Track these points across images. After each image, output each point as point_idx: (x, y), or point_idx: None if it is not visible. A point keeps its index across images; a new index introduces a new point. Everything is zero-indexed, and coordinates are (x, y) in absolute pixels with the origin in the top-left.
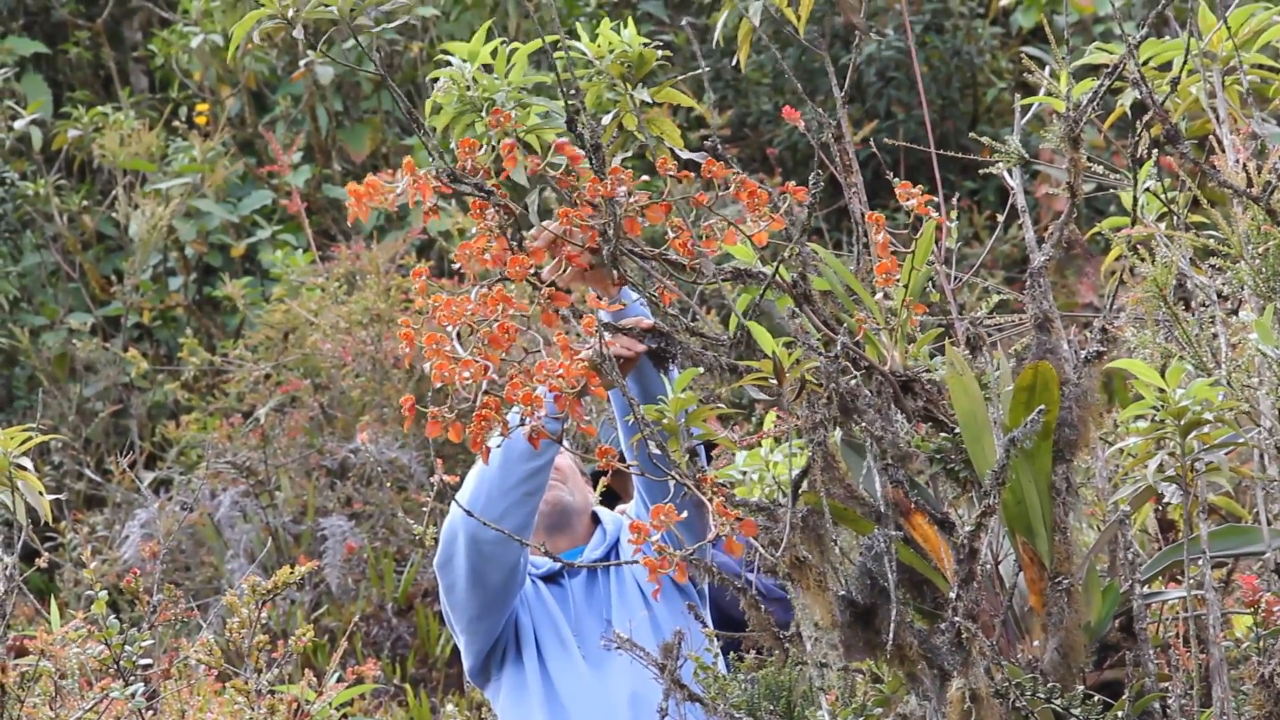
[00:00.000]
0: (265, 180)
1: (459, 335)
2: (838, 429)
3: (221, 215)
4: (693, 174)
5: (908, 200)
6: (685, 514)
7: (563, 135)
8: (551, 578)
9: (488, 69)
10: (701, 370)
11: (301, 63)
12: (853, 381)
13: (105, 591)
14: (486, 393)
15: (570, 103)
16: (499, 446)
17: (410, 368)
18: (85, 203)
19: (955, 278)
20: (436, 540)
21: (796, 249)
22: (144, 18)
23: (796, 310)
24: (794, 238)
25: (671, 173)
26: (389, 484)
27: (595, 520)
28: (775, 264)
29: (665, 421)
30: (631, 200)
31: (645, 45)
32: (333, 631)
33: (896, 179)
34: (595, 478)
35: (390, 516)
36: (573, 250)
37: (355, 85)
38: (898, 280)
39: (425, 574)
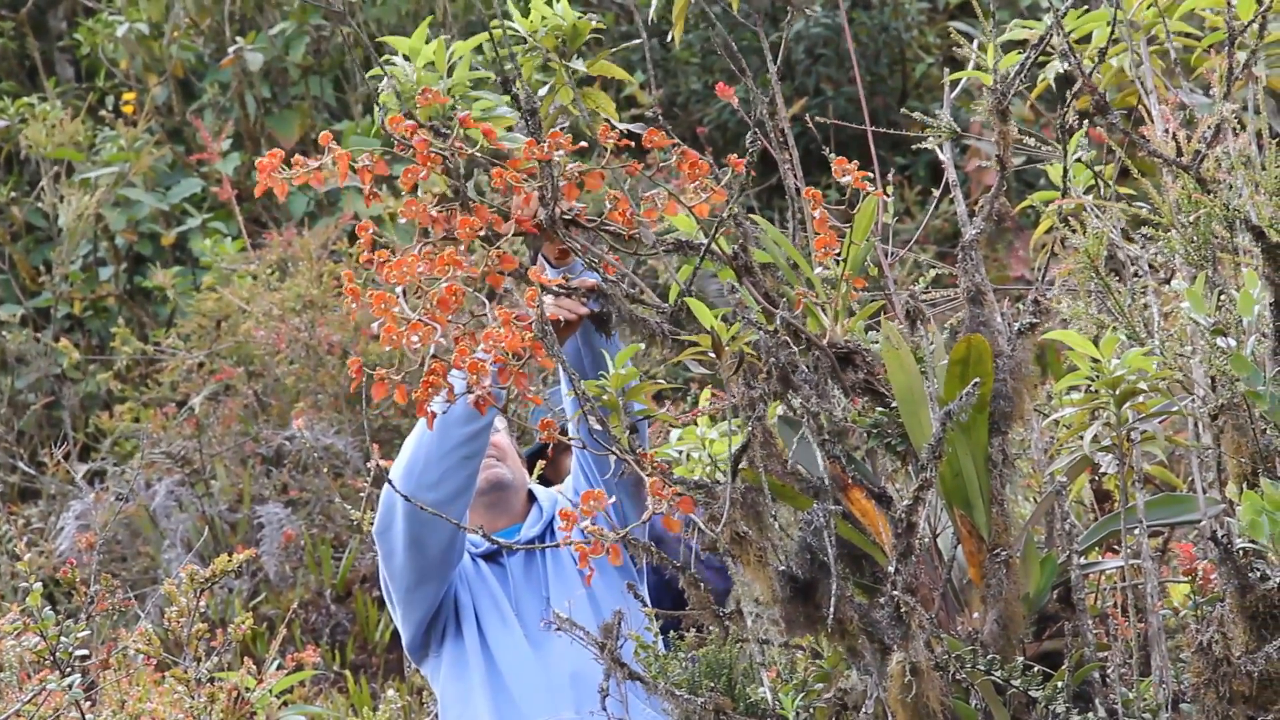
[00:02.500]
0: (195, 168)
1: (405, 296)
2: (776, 405)
3: (151, 204)
4: (631, 143)
5: (843, 175)
6: (614, 499)
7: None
8: (491, 556)
9: (430, 66)
10: (642, 343)
11: (229, 49)
12: (791, 356)
13: (40, 583)
14: (434, 357)
15: (506, 68)
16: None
17: (344, 354)
18: (13, 194)
19: (891, 253)
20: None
21: (734, 220)
22: (68, 7)
23: (735, 285)
24: (730, 207)
25: (611, 141)
26: (325, 470)
27: (531, 498)
28: (712, 232)
29: (606, 398)
30: (569, 168)
31: (579, 17)
32: (271, 619)
33: (832, 154)
34: (531, 459)
35: (327, 503)
36: (523, 215)
37: (283, 72)
38: (837, 255)
39: (363, 560)
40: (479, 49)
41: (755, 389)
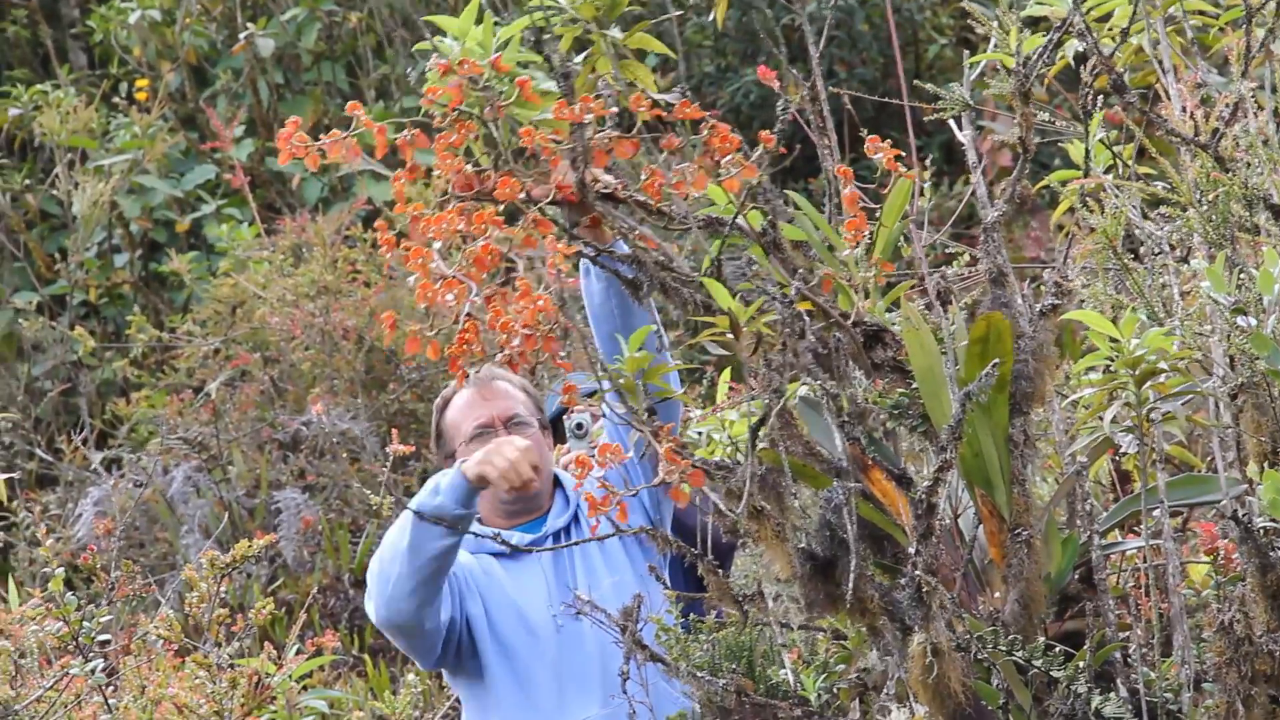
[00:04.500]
0: (208, 155)
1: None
2: (796, 384)
3: (165, 191)
4: (664, 113)
5: (876, 154)
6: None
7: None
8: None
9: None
10: (674, 310)
11: (241, 36)
12: (814, 335)
13: (61, 569)
14: (468, 316)
15: (543, 32)
16: (410, 523)
17: (359, 339)
18: (27, 182)
19: (922, 233)
20: (392, 510)
21: (764, 196)
22: None
23: (754, 260)
24: (760, 180)
25: (644, 111)
26: (342, 455)
27: (556, 483)
28: (740, 208)
29: (623, 381)
30: (601, 134)
31: None
32: (290, 604)
33: (865, 133)
34: (555, 423)
35: (344, 488)
36: (564, 181)
37: (295, 58)
38: (867, 236)
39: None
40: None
41: (774, 367)
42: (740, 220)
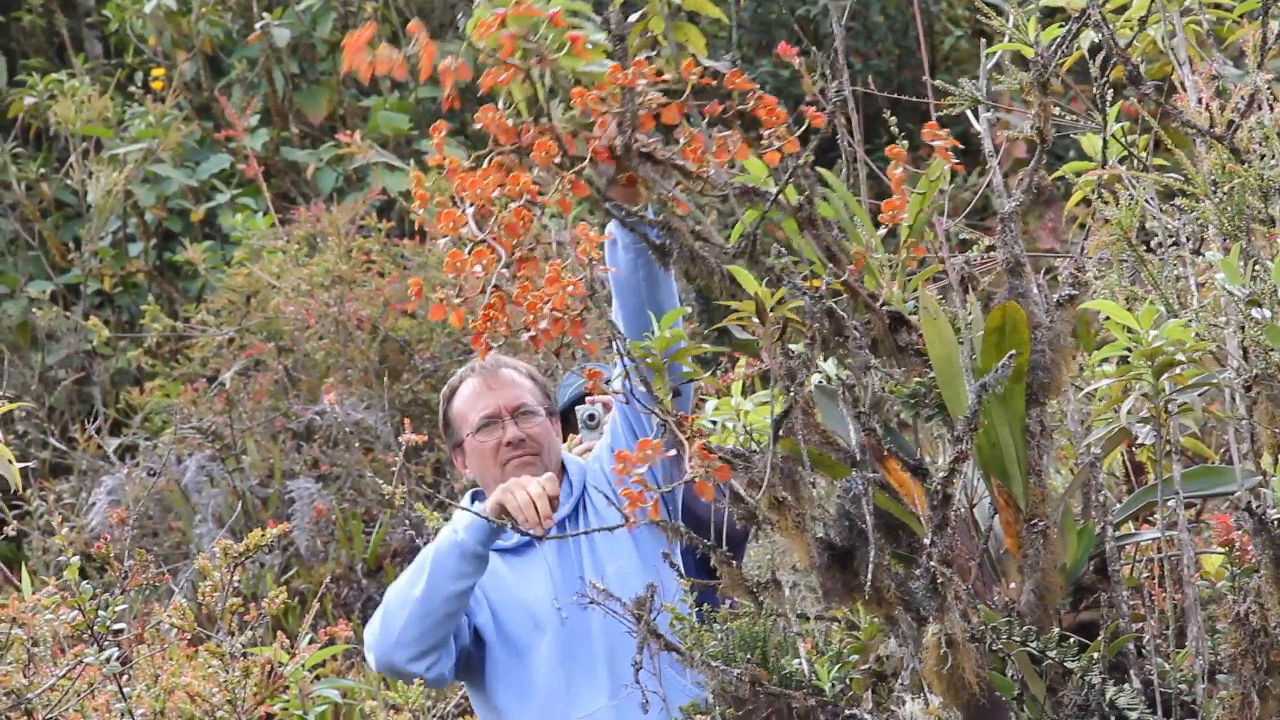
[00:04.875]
0: (223, 144)
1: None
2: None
3: (180, 180)
4: (714, 81)
5: (933, 140)
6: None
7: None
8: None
9: None
10: (701, 281)
11: (257, 25)
12: (840, 319)
13: (76, 558)
14: (495, 287)
15: None
16: (429, 562)
17: (374, 329)
18: (43, 170)
19: (945, 221)
20: (405, 500)
21: (802, 172)
22: None
23: (783, 250)
24: (805, 157)
25: (694, 78)
26: (356, 445)
27: (563, 470)
28: (784, 181)
29: (650, 360)
30: (649, 97)
31: None
32: (303, 594)
33: (888, 114)
34: (567, 414)
35: (358, 478)
36: (600, 144)
37: (311, 47)
38: (903, 218)
39: (394, 535)
40: None
41: (794, 357)
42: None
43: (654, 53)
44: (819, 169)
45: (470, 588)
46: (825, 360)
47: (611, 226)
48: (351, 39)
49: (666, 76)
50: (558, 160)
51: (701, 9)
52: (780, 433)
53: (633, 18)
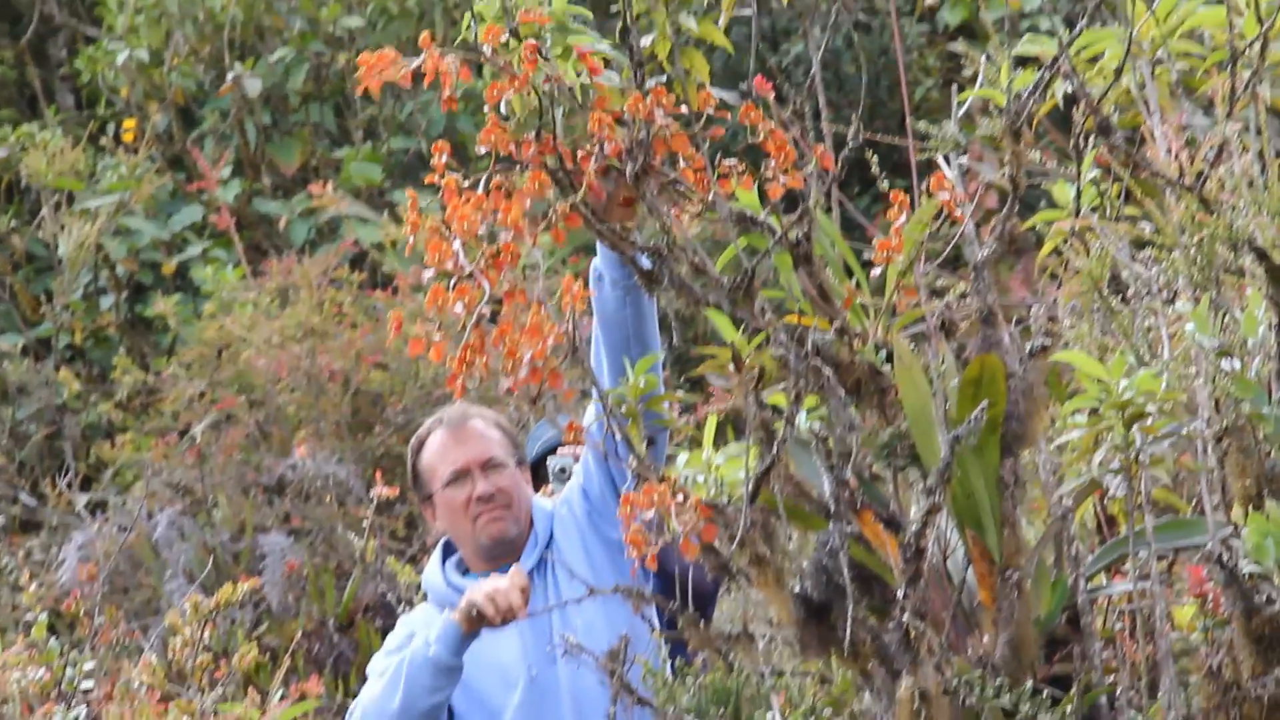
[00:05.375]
0: (195, 196)
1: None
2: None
3: (152, 232)
4: (728, 115)
5: (940, 191)
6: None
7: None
8: None
9: None
10: (688, 309)
11: (229, 76)
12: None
13: (44, 615)
14: (476, 324)
15: (624, 14)
16: (403, 676)
17: (346, 381)
18: (13, 223)
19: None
20: (377, 554)
21: (805, 209)
22: (69, 35)
23: (769, 309)
24: (816, 200)
25: (711, 111)
26: (328, 499)
27: (530, 519)
28: (792, 221)
29: (625, 407)
30: (663, 124)
31: None
32: (274, 649)
33: (882, 177)
34: (539, 465)
35: (330, 532)
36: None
37: (283, 98)
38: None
39: (366, 589)
40: None
41: (768, 408)
42: (774, 225)
43: (663, 78)
44: (812, 207)
45: (446, 698)
46: (801, 409)
47: (598, 261)
48: (368, 59)
49: (683, 108)
50: (551, 191)
51: (710, 37)
52: (754, 483)
53: (645, 40)
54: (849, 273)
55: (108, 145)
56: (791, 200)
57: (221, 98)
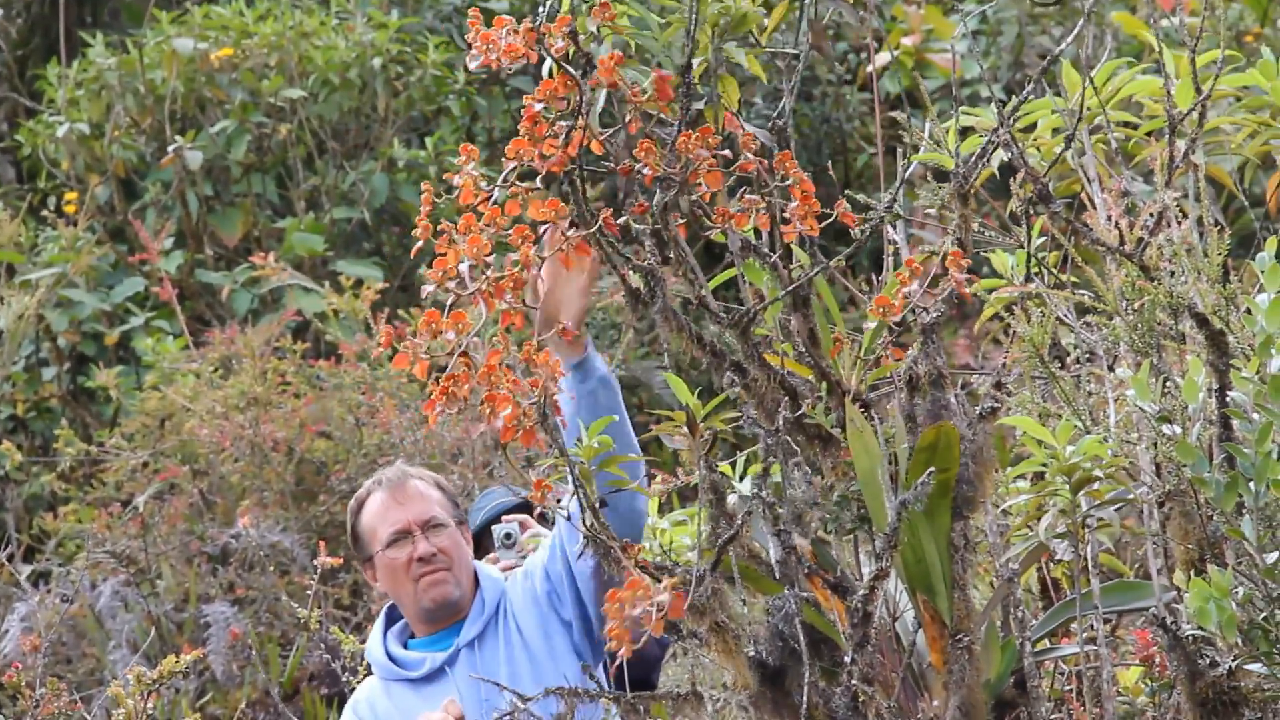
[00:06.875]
0: (137, 267)
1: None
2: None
3: (93, 304)
4: (760, 159)
5: (955, 267)
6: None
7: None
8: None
9: None
10: (671, 335)
11: (170, 148)
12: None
13: None
14: (462, 353)
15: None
16: None
17: (289, 451)
18: None
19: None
20: (321, 623)
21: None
22: (9, 108)
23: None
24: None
25: (750, 154)
26: (271, 568)
27: (475, 581)
28: (812, 272)
29: (579, 468)
30: (703, 157)
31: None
32: (219, 719)
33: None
34: (483, 533)
35: (274, 601)
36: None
37: (225, 169)
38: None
39: (310, 658)
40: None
41: (717, 471)
42: (777, 264)
43: (703, 102)
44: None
45: None
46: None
47: (564, 383)
48: (480, 30)
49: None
50: (568, 220)
51: (753, 69)
52: (706, 549)
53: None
54: (830, 322)
55: (49, 218)
56: (785, 248)
57: (163, 169)
